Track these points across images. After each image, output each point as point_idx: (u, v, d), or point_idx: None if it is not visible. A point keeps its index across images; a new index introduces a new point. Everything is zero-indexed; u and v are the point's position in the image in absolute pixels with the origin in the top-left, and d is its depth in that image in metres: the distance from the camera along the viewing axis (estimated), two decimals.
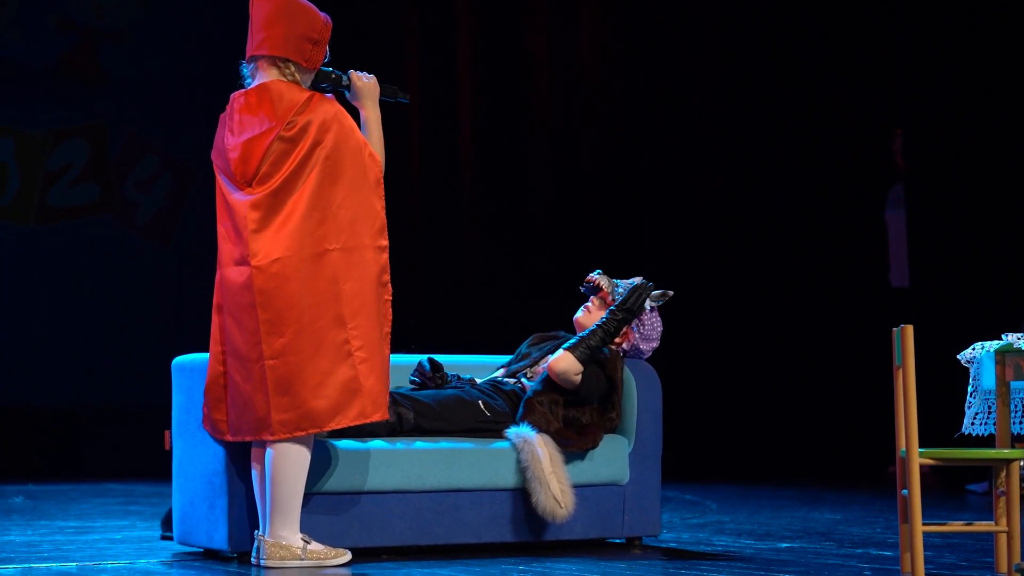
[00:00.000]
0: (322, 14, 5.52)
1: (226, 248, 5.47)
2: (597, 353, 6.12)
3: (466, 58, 11.85)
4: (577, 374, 6.07)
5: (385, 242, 5.48)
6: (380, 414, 5.42)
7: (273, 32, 5.45)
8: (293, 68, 5.48)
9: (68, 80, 12.17)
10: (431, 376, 6.23)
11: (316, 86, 5.58)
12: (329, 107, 5.43)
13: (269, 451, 5.42)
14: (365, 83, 5.61)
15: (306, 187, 5.38)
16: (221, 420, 5.51)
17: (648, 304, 6.27)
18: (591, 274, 6.41)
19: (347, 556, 5.54)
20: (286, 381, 5.33)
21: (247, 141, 5.43)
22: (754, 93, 11.85)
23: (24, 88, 12.05)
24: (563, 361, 6.07)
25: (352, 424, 5.41)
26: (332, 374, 5.34)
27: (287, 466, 5.40)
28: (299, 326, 5.33)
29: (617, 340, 6.31)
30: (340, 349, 5.35)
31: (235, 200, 5.44)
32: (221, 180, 5.53)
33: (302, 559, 5.41)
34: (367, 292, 5.42)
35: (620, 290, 6.29)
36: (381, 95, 5.66)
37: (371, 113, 5.59)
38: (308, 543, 5.45)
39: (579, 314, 6.41)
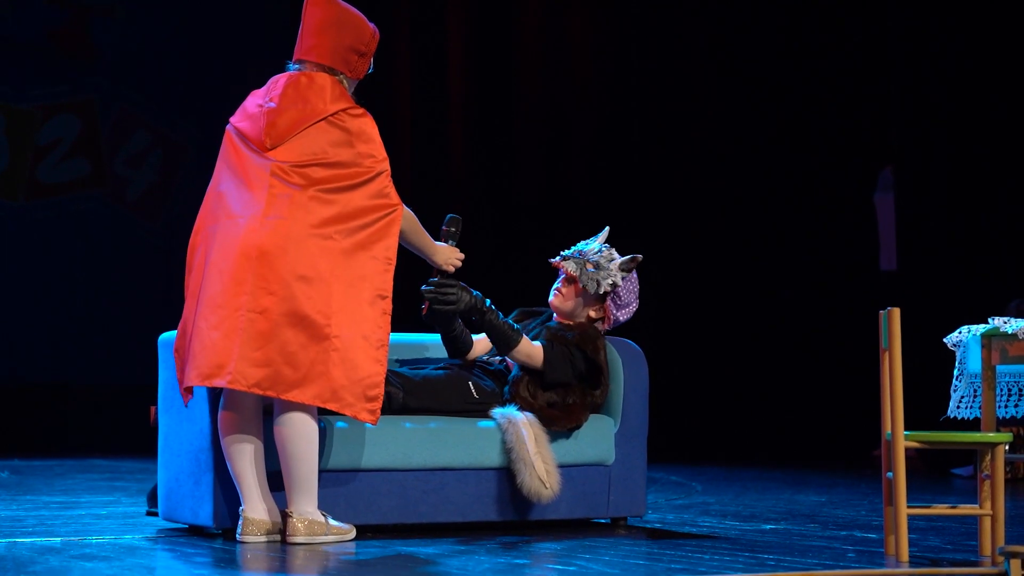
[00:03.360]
0: (371, 25, 5.57)
1: (225, 204, 5.45)
2: (504, 328, 5.99)
3: (457, 45, 11.83)
4: (529, 357, 6.05)
5: (391, 262, 5.52)
6: (337, 406, 5.38)
7: (322, 40, 5.52)
8: (339, 78, 5.51)
9: (59, 54, 12.14)
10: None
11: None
12: (374, 128, 5.51)
13: (279, 429, 5.42)
14: (444, 251, 5.91)
15: (335, 177, 5.40)
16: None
17: (619, 275, 6.16)
18: (553, 259, 6.30)
19: (353, 532, 5.60)
20: (263, 338, 5.32)
21: (285, 112, 5.44)
22: (743, 77, 11.84)
23: (14, 62, 12.02)
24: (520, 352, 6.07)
25: (306, 403, 5.38)
26: (306, 349, 5.34)
27: (302, 441, 5.41)
28: (290, 292, 5.33)
29: (596, 321, 6.21)
30: (320, 331, 5.35)
31: (254, 162, 5.44)
32: (236, 142, 5.51)
33: (326, 535, 5.46)
34: (363, 293, 5.41)
35: (593, 258, 6.16)
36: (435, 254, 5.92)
37: (429, 248, 5.87)
38: (327, 517, 5.50)
39: (551, 298, 6.28)
